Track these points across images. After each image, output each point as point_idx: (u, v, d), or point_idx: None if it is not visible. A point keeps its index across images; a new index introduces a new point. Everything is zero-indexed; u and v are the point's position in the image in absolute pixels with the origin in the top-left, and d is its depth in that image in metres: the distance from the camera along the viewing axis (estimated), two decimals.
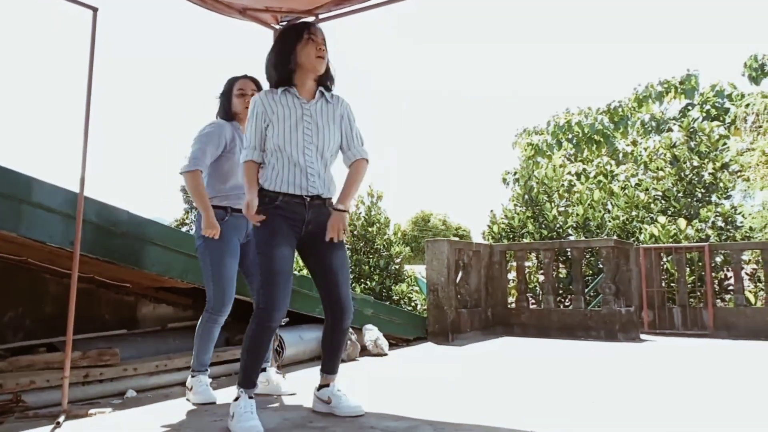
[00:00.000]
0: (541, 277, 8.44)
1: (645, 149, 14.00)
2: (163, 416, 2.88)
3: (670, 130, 16.40)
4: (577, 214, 10.69)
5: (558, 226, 10.84)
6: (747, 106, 12.51)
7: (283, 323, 4.13)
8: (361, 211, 12.34)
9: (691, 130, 11.34)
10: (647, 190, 11.13)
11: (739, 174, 11.17)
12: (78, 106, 3.09)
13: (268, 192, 2.65)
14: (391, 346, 5.40)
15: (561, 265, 10.08)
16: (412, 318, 6.53)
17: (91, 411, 2.91)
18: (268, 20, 4.01)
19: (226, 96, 3.37)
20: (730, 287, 8.40)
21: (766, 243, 7.60)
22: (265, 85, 2.89)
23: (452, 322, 6.25)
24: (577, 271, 7.14)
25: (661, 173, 11.40)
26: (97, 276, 4.26)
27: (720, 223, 9.94)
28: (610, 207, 11.08)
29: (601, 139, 18.10)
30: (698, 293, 8.07)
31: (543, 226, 10.90)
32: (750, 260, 9.61)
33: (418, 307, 10.74)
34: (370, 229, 11.96)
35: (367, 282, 11.50)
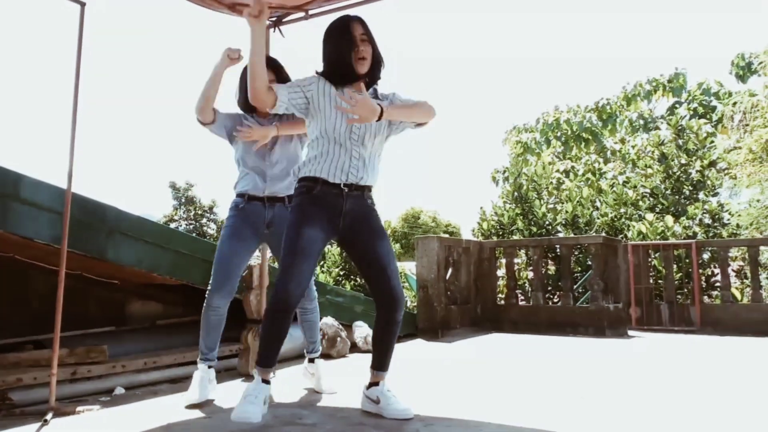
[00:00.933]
0: (530, 274, 8.48)
1: (633, 147, 14.09)
2: (151, 413, 2.86)
3: (658, 128, 16.52)
4: (566, 212, 10.74)
5: (547, 223, 10.89)
6: (734, 104, 12.61)
7: None
8: None
9: (679, 128, 11.42)
10: (635, 187, 11.20)
11: (726, 172, 11.27)
12: (65, 101, 3.07)
13: (306, 179, 2.59)
14: None
15: (550, 262, 10.13)
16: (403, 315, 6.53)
17: (79, 408, 2.89)
18: None
19: (243, 86, 3.20)
20: (717, 284, 8.48)
21: (752, 240, 7.67)
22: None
23: (442, 318, 6.27)
24: (565, 267, 7.18)
25: (649, 171, 11.48)
26: (85, 273, 4.23)
27: (707, 221, 10.02)
28: (598, 204, 11.14)
29: (590, 137, 18.19)
30: (685, 290, 8.14)
31: (532, 223, 10.94)
32: (736, 257, 9.71)
33: (408, 303, 10.76)
34: None
35: (357, 279, 11.49)
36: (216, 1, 3.77)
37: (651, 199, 10.94)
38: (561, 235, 10.60)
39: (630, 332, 6.63)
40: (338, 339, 4.68)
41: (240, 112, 3.29)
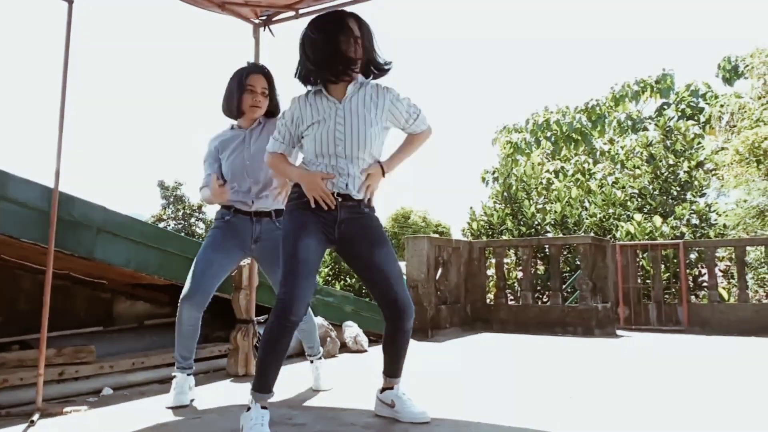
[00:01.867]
0: (520, 274, 8.51)
1: (622, 148, 14.19)
2: (139, 414, 2.84)
3: (646, 129, 16.62)
4: (555, 212, 10.80)
5: (536, 223, 10.94)
6: (721, 106, 12.73)
7: (262, 320, 4.11)
8: None
9: (667, 129, 11.52)
10: (624, 188, 11.28)
11: (713, 172, 11.37)
12: (53, 99, 3.03)
13: (298, 187, 2.49)
14: (371, 342, 5.40)
15: (539, 262, 10.18)
16: None
17: (67, 409, 2.86)
18: (247, 15, 3.97)
19: (237, 91, 3.13)
20: (704, 284, 8.56)
21: (739, 240, 7.75)
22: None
23: (432, 318, 6.28)
24: (554, 267, 7.21)
25: (637, 171, 11.57)
26: (72, 272, 4.20)
27: (695, 221, 10.11)
28: (587, 204, 11.21)
29: (579, 138, 18.28)
30: (673, 290, 8.21)
31: (522, 223, 10.99)
32: (724, 257, 9.80)
33: None
34: None
35: (347, 279, 11.49)
36: (206, 0, 3.75)
37: (639, 199, 11.02)
38: (550, 235, 10.66)
39: (618, 332, 6.67)
40: (328, 339, 4.68)
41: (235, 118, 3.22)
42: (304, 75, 2.52)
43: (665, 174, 11.01)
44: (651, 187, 11.03)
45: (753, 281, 10.26)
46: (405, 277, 6.86)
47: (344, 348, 4.98)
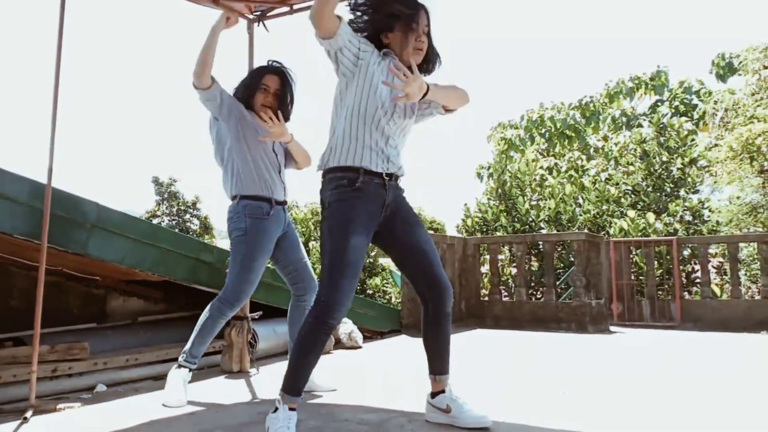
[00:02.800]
0: (514, 270, 8.53)
1: (615, 144, 14.21)
2: (133, 411, 2.84)
3: (640, 125, 16.67)
4: (549, 208, 10.82)
5: (530, 219, 10.96)
6: (715, 102, 12.77)
7: (256, 316, 4.11)
8: None
9: (661, 125, 11.55)
10: (617, 184, 11.31)
11: (707, 169, 11.41)
12: (45, 94, 3.02)
13: (345, 170, 2.29)
14: (366, 339, 5.41)
15: (533, 258, 10.20)
16: (387, 311, 6.55)
17: (60, 406, 2.86)
18: (241, 10, 3.95)
19: (249, 88, 3.13)
20: (697, 280, 8.60)
21: (732, 237, 7.79)
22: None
23: None
24: (548, 264, 7.23)
25: (631, 168, 11.59)
26: (65, 269, 4.18)
27: (688, 218, 10.16)
28: (581, 201, 11.24)
29: (573, 134, 18.30)
30: (666, 286, 8.24)
31: (516, 219, 11.01)
32: (716, 254, 9.85)
33: (393, 300, 10.77)
34: None
35: None
36: None
37: (633, 196, 11.05)
38: (544, 231, 10.68)
39: (612, 328, 6.69)
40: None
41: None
42: (381, 25, 2.37)
43: (659, 171, 11.05)
44: (644, 183, 11.07)
45: (745, 278, 10.32)
46: (400, 273, 6.86)
47: (339, 344, 4.98)
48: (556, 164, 15.08)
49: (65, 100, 3.07)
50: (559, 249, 9.90)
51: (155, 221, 27.30)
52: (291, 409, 2.25)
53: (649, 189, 10.97)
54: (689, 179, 10.87)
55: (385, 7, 2.35)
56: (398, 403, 2.86)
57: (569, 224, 10.65)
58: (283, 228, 3.16)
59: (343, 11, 2.38)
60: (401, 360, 4.57)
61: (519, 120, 19.91)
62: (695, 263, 8.84)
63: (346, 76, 2.32)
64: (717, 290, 8.86)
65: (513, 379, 3.64)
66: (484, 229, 11.09)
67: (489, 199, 11.83)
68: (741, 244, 8.50)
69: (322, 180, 2.37)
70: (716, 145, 11.23)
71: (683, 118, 12.67)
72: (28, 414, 2.66)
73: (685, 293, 8.47)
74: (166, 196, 29.78)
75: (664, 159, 11.09)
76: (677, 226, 9.85)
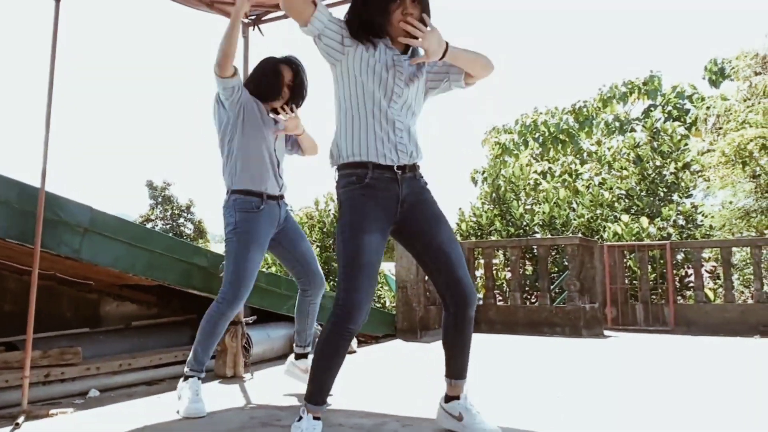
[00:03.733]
0: (509, 274, 8.54)
1: (609, 149, 14.27)
2: (126, 416, 2.82)
3: (633, 130, 16.73)
4: (543, 212, 10.84)
5: (524, 224, 10.99)
6: (708, 108, 12.85)
7: (250, 321, 4.09)
8: (330, 208, 12.30)
9: (654, 130, 11.61)
10: (611, 188, 11.35)
11: (699, 174, 11.47)
12: (39, 98, 3.00)
13: (354, 166, 2.19)
14: (360, 343, 5.40)
15: (527, 263, 10.21)
16: (381, 315, 6.54)
17: (52, 411, 2.84)
18: None
19: (270, 77, 3.05)
20: (691, 284, 8.63)
21: (725, 241, 7.82)
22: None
23: (421, 319, 6.28)
24: (543, 268, 7.24)
25: (624, 172, 11.64)
26: (58, 273, 4.16)
27: (681, 222, 10.20)
28: (575, 205, 11.27)
29: (567, 139, 18.36)
30: (660, 290, 8.27)
31: (510, 224, 11.03)
32: (710, 258, 9.88)
33: (387, 304, 10.77)
34: None
35: (336, 281, 11.46)
36: None
37: (626, 200, 11.10)
38: (538, 235, 10.70)
39: (606, 332, 6.70)
40: (316, 339, 4.67)
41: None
42: (362, 25, 2.21)
43: (652, 175, 11.10)
44: (638, 188, 11.11)
45: (738, 282, 10.35)
46: (394, 277, 6.86)
47: None
48: (550, 169, 15.13)
49: (59, 103, 3.05)
50: (553, 253, 9.92)
51: (149, 225, 27.20)
52: (315, 418, 2.19)
53: (643, 193, 11.02)
54: (682, 184, 10.92)
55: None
56: (392, 407, 2.86)
57: (563, 228, 10.68)
58: (279, 223, 3.07)
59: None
60: (396, 365, 4.57)
61: (513, 124, 19.97)
62: (689, 267, 8.87)
63: (336, 61, 2.22)
64: (710, 294, 8.89)
65: (508, 384, 3.64)
66: (479, 234, 11.10)
67: (483, 203, 11.85)
68: (734, 249, 8.53)
69: (335, 176, 2.30)
70: (709, 150, 11.29)
71: (676, 123, 12.74)
72: (21, 420, 2.64)
73: (679, 297, 8.49)
74: (160, 200, 29.70)
75: (658, 163, 11.14)
76: (671, 230, 9.89)
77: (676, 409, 2.89)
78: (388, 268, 11.81)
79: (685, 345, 5.65)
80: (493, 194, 11.67)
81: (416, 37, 2.10)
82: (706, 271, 9.50)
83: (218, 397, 3.24)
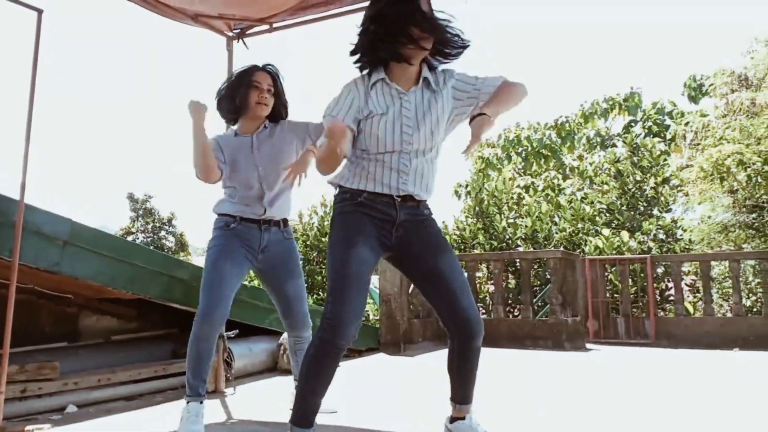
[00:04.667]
0: (491, 288, 8.56)
1: (590, 164, 14.43)
2: None
3: (614, 145, 16.94)
4: (526, 226, 10.92)
5: (507, 237, 11.05)
6: (686, 124, 13.07)
7: (232, 335, 4.06)
8: (314, 221, 12.27)
9: (634, 145, 11.78)
10: (592, 203, 11.47)
11: (679, 189, 11.64)
12: (20, 109, 2.98)
13: (349, 189, 2.16)
14: (343, 357, 5.37)
15: (510, 276, 10.26)
16: (365, 329, 6.51)
17: (29, 428, 2.79)
18: (221, 27, 3.97)
19: (235, 89, 2.87)
20: (671, 298, 8.72)
21: (704, 255, 7.93)
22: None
23: (404, 332, 6.27)
24: (525, 281, 7.28)
25: (605, 187, 11.77)
26: (36, 287, 4.10)
27: (661, 236, 10.33)
28: (557, 219, 11.36)
29: (549, 154, 18.53)
30: (641, 303, 8.34)
31: (493, 237, 11.08)
32: (689, 272, 10.01)
33: (371, 317, 10.73)
34: (323, 240, 11.90)
35: (320, 293, 11.42)
36: (179, 11, 3.74)
37: (607, 214, 11.22)
38: (521, 249, 10.76)
39: (588, 345, 6.74)
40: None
41: (234, 123, 2.98)
42: (365, 55, 2.17)
43: (632, 190, 11.24)
44: (619, 202, 11.25)
45: (718, 295, 10.48)
46: (378, 290, 6.85)
47: None
48: (532, 183, 15.25)
49: (39, 114, 3.03)
50: (535, 267, 9.98)
51: (130, 238, 26.93)
52: None
53: (623, 208, 11.15)
54: (662, 198, 11.08)
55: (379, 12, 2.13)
56: (375, 422, 2.84)
57: (545, 242, 10.75)
58: (262, 249, 2.88)
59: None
60: (378, 379, 4.55)
61: (496, 139, 20.13)
62: (669, 281, 8.97)
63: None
64: (690, 308, 8.99)
65: (490, 397, 3.64)
66: (462, 247, 11.14)
67: (467, 216, 11.91)
68: (713, 263, 8.64)
69: (334, 195, 2.26)
70: (688, 165, 11.47)
71: (656, 139, 12.94)
72: None
73: (659, 311, 8.58)
74: (141, 212, 29.45)
75: (638, 178, 11.29)
76: (651, 244, 10.01)
77: (660, 423, 2.91)
78: (372, 281, 11.80)
79: (666, 358, 5.70)
80: (477, 208, 11.73)
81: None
82: (685, 284, 9.62)
83: None
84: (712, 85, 12.39)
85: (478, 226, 11.30)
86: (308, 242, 11.76)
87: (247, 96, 2.84)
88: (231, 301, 2.77)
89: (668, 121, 17.84)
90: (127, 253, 3.77)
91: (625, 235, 9.60)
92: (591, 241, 9.77)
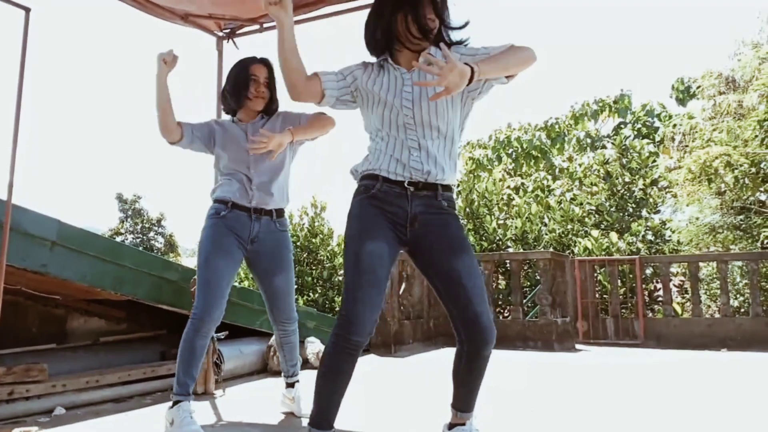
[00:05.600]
0: None
1: (580, 165, 14.51)
2: None
3: (603, 147, 17.05)
4: (516, 227, 10.95)
5: (498, 238, 11.08)
6: (674, 126, 13.17)
7: (222, 336, 4.04)
8: (304, 222, 12.25)
9: (623, 147, 11.85)
10: (582, 204, 11.52)
11: (667, 190, 11.72)
12: (7, 109, 2.95)
13: (365, 177, 2.12)
14: None
15: (501, 277, 10.29)
16: None
17: (16, 430, 2.76)
18: (211, 27, 3.95)
19: (240, 81, 2.90)
20: (660, 299, 8.78)
21: (692, 256, 7.98)
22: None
23: (395, 333, 6.27)
24: (515, 282, 7.30)
25: (594, 188, 11.83)
26: (24, 288, 4.06)
27: (650, 237, 10.39)
28: (546, 220, 11.41)
29: (539, 155, 18.62)
30: (630, 304, 8.39)
31: (483, 238, 11.11)
32: (678, 273, 10.08)
33: None
34: (313, 240, 11.89)
35: (310, 294, 11.40)
36: (169, 11, 3.72)
37: (596, 215, 11.27)
38: (511, 250, 10.79)
39: (577, 346, 6.77)
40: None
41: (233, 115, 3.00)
42: (375, 40, 2.14)
43: (621, 191, 11.31)
44: (608, 203, 11.31)
45: (705, 296, 10.56)
46: None
47: (306, 364, 4.92)
48: (522, 184, 15.31)
49: (26, 112, 3.00)
50: (525, 268, 10.01)
51: (119, 239, 26.76)
52: None
53: (612, 209, 11.21)
54: (651, 200, 11.15)
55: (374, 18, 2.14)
56: (365, 425, 2.84)
57: (535, 243, 10.79)
58: (252, 239, 2.86)
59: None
60: (369, 380, 4.54)
61: (487, 140, 20.19)
62: (657, 282, 9.03)
63: (358, 106, 2.19)
64: (678, 308, 9.06)
65: (481, 398, 3.64)
66: None
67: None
68: (701, 264, 8.72)
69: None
70: (677, 167, 11.55)
71: (645, 141, 13.02)
72: None
73: (648, 311, 8.63)
74: (130, 213, 29.27)
75: (627, 180, 11.36)
76: (640, 245, 10.07)
77: (650, 424, 2.93)
78: None
79: (655, 359, 5.73)
80: (467, 209, 11.75)
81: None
82: (674, 285, 9.69)
83: None
84: (699, 87, 12.50)
85: (469, 227, 11.32)
86: (298, 243, 11.73)
87: (246, 89, 2.88)
88: (227, 294, 2.77)
89: (657, 123, 17.97)
90: (116, 254, 3.75)
91: (614, 236, 9.66)
92: (580, 242, 9.81)
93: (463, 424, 2.22)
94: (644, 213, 11.11)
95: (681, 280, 10.23)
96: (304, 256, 11.87)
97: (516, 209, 11.62)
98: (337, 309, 10.89)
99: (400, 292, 6.71)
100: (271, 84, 2.96)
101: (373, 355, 5.93)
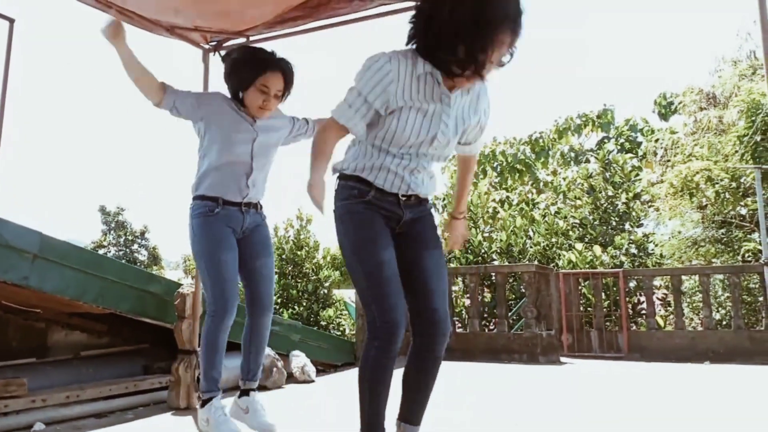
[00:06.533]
0: (467, 301, 8.59)
1: (564, 179, 14.63)
2: None
3: (587, 161, 17.22)
4: (501, 240, 11.00)
5: (483, 251, 11.11)
6: (657, 141, 13.35)
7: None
8: (290, 235, 12.22)
9: (607, 161, 11.98)
10: (566, 217, 11.61)
11: (650, 204, 11.85)
12: None
13: (357, 179, 2.03)
14: (319, 372, 5.33)
15: (486, 290, 10.30)
16: (341, 343, 6.48)
17: None
18: (197, 40, 3.95)
19: (244, 81, 2.77)
20: (643, 312, 8.85)
21: (675, 269, 8.07)
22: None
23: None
24: (501, 295, 7.32)
25: (578, 202, 11.93)
26: (4, 301, 4.00)
27: (633, 250, 10.48)
28: (531, 233, 11.47)
29: (524, 169, 18.77)
30: (613, 317, 8.44)
31: (469, 251, 11.13)
32: (661, 286, 10.17)
33: (347, 331, 10.69)
34: (298, 253, 11.84)
35: (295, 307, 11.34)
36: (154, 23, 3.71)
37: (580, 229, 11.36)
38: (496, 263, 10.83)
39: (562, 359, 6.79)
40: (274, 369, 4.59)
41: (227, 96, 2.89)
42: (427, 40, 1.90)
43: (605, 205, 11.41)
44: (591, 217, 11.40)
45: (688, 309, 10.66)
46: (354, 304, 6.82)
47: (291, 378, 4.89)
48: (507, 197, 15.40)
49: (8, 123, 2.97)
50: (510, 280, 10.04)
51: (101, 252, 26.47)
52: None
53: (596, 222, 11.30)
54: (634, 213, 11.26)
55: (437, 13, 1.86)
56: None
57: (520, 256, 10.84)
58: (243, 230, 2.85)
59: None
60: (354, 394, 4.51)
61: None
62: (641, 295, 9.09)
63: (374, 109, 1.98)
64: (661, 321, 9.12)
65: (465, 411, 3.64)
66: None
67: (443, 231, 11.96)
68: (683, 277, 8.80)
69: (335, 185, 2.10)
70: (659, 181, 11.70)
71: (628, 155, 13.18)
72: None
73: (632, 324, 8.68)
74: (113, 225, 28.98)
75: (610, 193, 11.47)
76: (623, 258, 10.14)
77: None
78: (348, 295, 11.75)
79: (638, 371, 5.77)
80: None
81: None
82: (657, 298, 9.76)
83: (171, 429, 3.15)
84: (681, 102, 12.70)
85: None
86: (284, 256, 11.68)
87: (248, 95, 2.78)
88: (238, 291, 2.80)
89: (640, 138, 18.21)
90: (98, 266, 3.71)
91: (597, 249, 9.73)
92: (564, 255, 9.87)
93: None
94: (627, 226, 11.21)
95: (664, 293, 10.31)
96: (290, 269, 11.82)
97: (501, 222, 11.68)
98: (322, 323, 10.82)
99: None
100: (284, 95, 2.86)
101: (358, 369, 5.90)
